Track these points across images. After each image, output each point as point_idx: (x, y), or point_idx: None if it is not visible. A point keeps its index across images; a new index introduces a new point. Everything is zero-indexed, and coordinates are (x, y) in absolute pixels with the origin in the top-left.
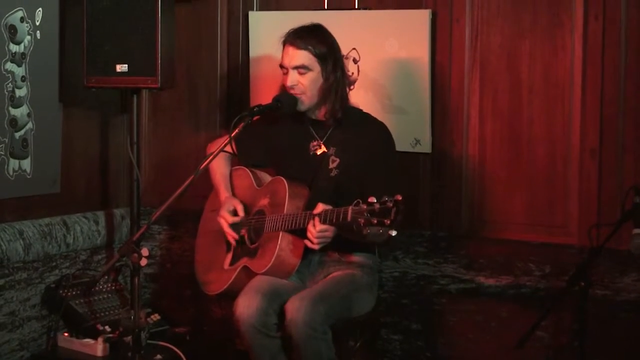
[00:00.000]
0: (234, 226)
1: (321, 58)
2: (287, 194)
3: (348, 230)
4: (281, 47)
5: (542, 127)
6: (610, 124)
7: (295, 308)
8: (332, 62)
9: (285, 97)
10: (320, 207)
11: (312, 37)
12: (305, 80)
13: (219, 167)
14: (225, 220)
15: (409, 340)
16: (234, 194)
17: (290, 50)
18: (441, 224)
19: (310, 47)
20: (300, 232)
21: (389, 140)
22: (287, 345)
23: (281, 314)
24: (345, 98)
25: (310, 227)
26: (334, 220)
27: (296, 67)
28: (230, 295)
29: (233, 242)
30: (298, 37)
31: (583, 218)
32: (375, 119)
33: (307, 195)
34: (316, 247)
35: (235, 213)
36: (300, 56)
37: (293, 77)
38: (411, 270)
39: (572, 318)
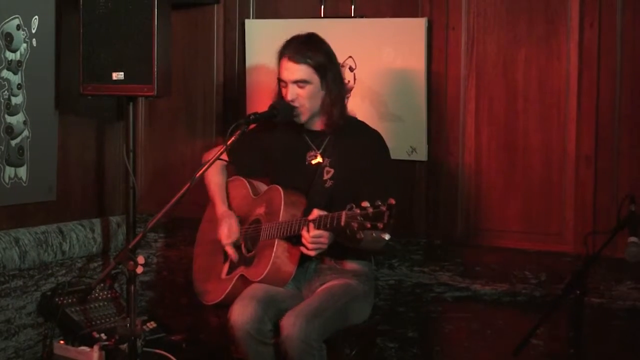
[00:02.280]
0: (234, 244)
1: (320, 70)
2: (283, 202)
3: (343, 236)
4: (277, 59)
5: (537, 134)
6: (606, 131)
7: (291, 324)
8: (330, 72)
9: (282, 105)
10: (316, 213)
11: (308, 49)
12: (305, 93)
13: (214, 177)
14: (224, 238)
15: (404, 348)
16: (230, 205)
17: (289, 64)
18: (437, 231)
19: (308, 60)
20: (296, 240)
21: (382, 149)
22: (281, 357)
23: (276, 321)
24: (344, 107)
25: (304, 232)
26: (328, 225)
27: (296, 82)
28: (228, 304)
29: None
30: (295, 50)
31: (579, 226)
32: (369, 128)
33: (304, 203)
34: (312, 253)
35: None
36: (299, 70)
37: (293, 91)
38: (407, 278)
39: (568, 326)
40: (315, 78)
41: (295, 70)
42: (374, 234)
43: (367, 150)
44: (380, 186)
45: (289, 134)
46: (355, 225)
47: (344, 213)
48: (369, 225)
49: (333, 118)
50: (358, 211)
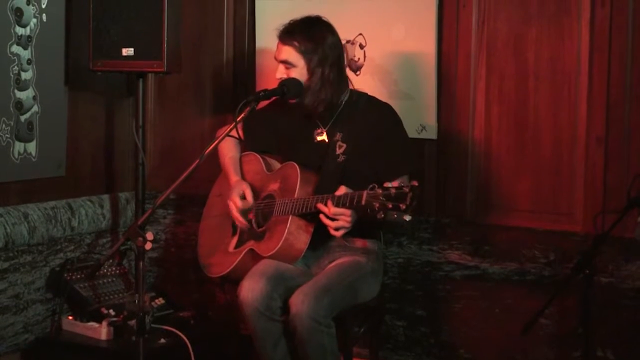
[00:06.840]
0: (243, 212)
1: (306, 54)
2: (299, 179)
3: (363, 215)
4: None
5: (548, 114)
6: (617, 111)
7: (300, 302)
8: (318, 57)
9: (291, 83)
10: (343, 190)
11: (299, 32)
12: (290, 75)
13: (229, 150)
14: (234, 204)
15: (413, 327)
16: (243, 179)
17: (279, 44)
18: (446, 210)
19: (295, 43)
20: (310, 217)
21: (394, 120)
22: (289, 334)
23: (285, 298)
24: (334, 93)
25: (323, 208)
26: (348, 204)
27: (282, 62)
28: (234, 278)
29: (244, 227)
30: (286, 32)
31: (588, 205)
32: (379, 101)
33: (316, 181)
34: (337, 233)
35: (244, 197)
36: (284, 52)
37: (280, 71)
38: (416, 257)
39: (577, 305)
40: (300, 61)
41: (282, 51)
42: (395, 215)
43: (379, 122)
44: (396, 158)
45: (296, 112)
46: (376, 205)
47: (365, 192)
48: (390, 206)
49: (315, 102)
50: (380, 191)
